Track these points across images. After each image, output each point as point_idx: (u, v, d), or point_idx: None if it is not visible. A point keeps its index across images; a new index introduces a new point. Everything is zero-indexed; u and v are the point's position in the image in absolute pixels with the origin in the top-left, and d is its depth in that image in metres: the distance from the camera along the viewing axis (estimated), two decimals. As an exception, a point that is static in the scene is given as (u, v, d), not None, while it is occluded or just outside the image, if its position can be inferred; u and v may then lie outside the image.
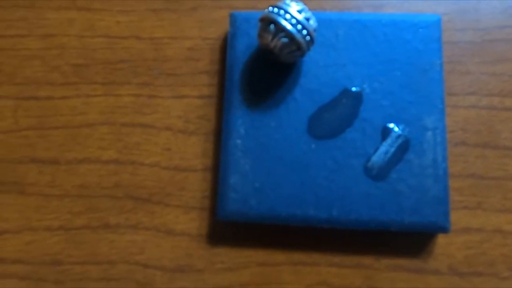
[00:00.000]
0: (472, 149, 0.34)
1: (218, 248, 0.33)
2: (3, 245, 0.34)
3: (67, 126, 0.36)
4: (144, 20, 0.38)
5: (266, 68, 0.34)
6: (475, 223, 0.33)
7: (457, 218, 0.33)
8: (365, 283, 0.32)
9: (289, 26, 0.30)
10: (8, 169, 0.35)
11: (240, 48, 0.34)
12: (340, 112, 0.33)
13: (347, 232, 0.33)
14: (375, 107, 0.33)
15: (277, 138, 0.33)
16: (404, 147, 0.32)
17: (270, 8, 0.30)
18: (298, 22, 0.30)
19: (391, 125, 0.33)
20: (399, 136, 0.32)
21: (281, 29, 0.30)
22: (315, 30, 0.31)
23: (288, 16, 0.30)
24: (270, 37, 0.30)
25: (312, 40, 0.31)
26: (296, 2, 0.31)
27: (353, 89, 0.33)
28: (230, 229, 0.34)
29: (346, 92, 0.33)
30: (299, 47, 0.30)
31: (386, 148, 0.32)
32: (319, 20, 0.34)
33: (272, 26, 0.30)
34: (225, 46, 0.37)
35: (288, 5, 0.30)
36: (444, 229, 0.31)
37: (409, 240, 0.33)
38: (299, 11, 0.30)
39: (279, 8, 0.30)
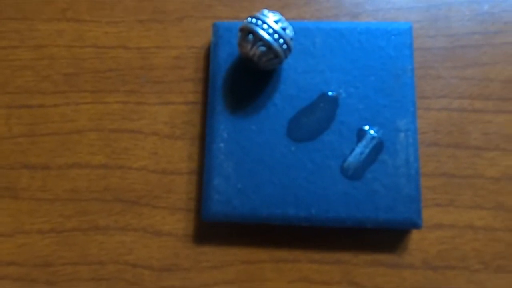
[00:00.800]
0: (444, 150, 0.36)
1: (204, 247, 0.35)
2: (-4, 248, 0.35)
3: (57, 133, 0.37)
4: (131, 30, 0.39)
5: (247, 75, 0.36)
6: (447, 219, 0.35)
7: (430, 215, 0.35)
8: (344, 278, 0.34)
9: (266, 36, 0.31)
10: (1, 175, 0.36)
11: (222, 57, 0.36)
12: (318, 116, 0.35)
13: (327, 230, 0.35)
14: (351, 110, 0.35)
15: (258, 142, 0.34)
16: (378, 148, 0.34)
17: (249, 19, 0.32)
18: (275, 31, 0.32)
19: (366, 128, 0.34)
20: (373, 138, 0.34)
21: (259, 38, 0.32)
22: (291, 39, 0.33)
23: (265, 26, 0.32)
24: (249, 46, 0.32)
25: (289, 48, 0.33)
26: (274, 13, 0.32)
27: (330, 93, 0.35)
28: (215, 229, 0.35)
29: (323, 96, 0.35)
30: (276, 55, 0.32)
31: (361, 149, 0.34)
32: (297, 29, 0.36)
33: (250, 36, 0.32)
34: (210, 54, 0.38)
35: (265, 16, 0.32)
36: (417, 225, 0.33)
37: (385, 236, 0.35)
38: (276, 21, 0.32)
39: (257, 18, 0.32)
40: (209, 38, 0.39)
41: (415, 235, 0.34)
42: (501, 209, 0.35)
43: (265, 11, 0.32)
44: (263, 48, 0.32)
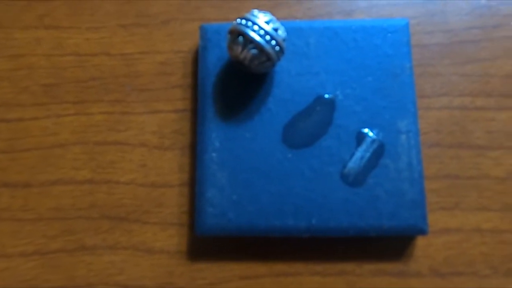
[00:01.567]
0: (447, 150, 0.34)
1: (199, 263, 0.33)
2: (-24, 274, 0.33)
3: (38, 148, 0.35)
4: (114, 36, 0.37)
5: (238, 79, 0.34)
6: (453, 223, 0.33)
7: (435, 219, 0.33)
8: (348, 290, 0.32)
9: (257, 38, 0.30)
10: (-21, 195, 0.34)
11: (211, 61, 0.34)
12: (315, 120, 0.33)
13: (328, 239, 0.33)
14: (348, 113, 0.33)
15: (253, 150, 0.33)
16: (379, 151, 0.32)
17: (238, 20, 0.30)
18: (267, 33, 0.30)
19: (365, 130, 0.33)
20: (373, 141, 0.32)
21: (249, 40, 0.30)
22: (284, 40, 0.31)
23: (256, 27, 0.30)
24: (239, 49, 0.30)
25: (281, 50, 0.31)
26: (264, 13, 0.31)
27: (326, 96, 0.33)
28: (210, 243, 0.33)
29: (319, 99, 0.33)
30: (269, 57, 0.30)
31: (361, 154, 0.32)
32: (289, 29, 0.34)
33: (240, 38, 0.30)
34: (198, 59, 0.36)
35: (255, 16, 0.30)
36: (422, 231, 0.31)
37: (390, 244, 0.33)
38: (267, 22, 0.30)
39: (247, 19, 0.30)
40: (197, 41, 0.37)
41: (420, 241, 0.33)
42: (508, 210, 0.33)
43: (255, 12, 0.31)
44: (254, 51, 0.30)
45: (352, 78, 0.34)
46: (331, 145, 0.33)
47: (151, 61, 0.36)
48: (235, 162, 0.32)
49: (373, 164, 0.32)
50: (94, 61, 0.37)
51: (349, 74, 0.34)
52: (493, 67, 0.36)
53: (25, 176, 0.34)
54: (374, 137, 0.33)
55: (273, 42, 0.30)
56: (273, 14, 0.37)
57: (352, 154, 0.32)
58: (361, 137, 0.33)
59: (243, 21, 0.30)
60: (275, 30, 0.30)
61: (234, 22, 0.31)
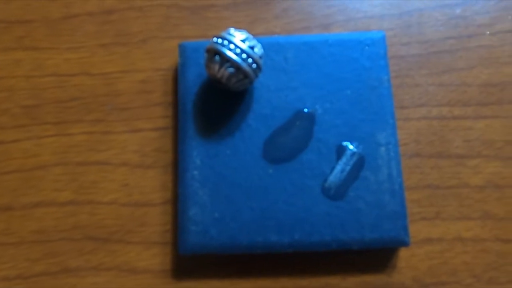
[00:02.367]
0: (427, 160, 0.35)
1: (183, 282, 0.33)
2: (-42, 300, 0.32)
3: (19, 170, 0.35)
4: (93, 55, 0.37)
5: (218, 96, 0.34)
6: (435, 233, 0.33)
7: (417, 229, 0.33)
8: (333, 303, 0.32)
9: (234, 56, 0.30)
10: (-40, 220, 0.34)
11: (191, 78, 0.34)
12: (295, 135, 0.33)
13: (312, 254, 0.33)
14: (328, 127, 0.33)
15: (234, 166, 0.33)
16: (359, 164, 0.33)
17: (215, 39, 0.31)
18: (243, 51, 0.30)
19: (345, 144, 0.33)
20: (353, 153, 0.33)
21: (226, 59, 0.30)
22: (261, 57, 0.31)
23: (232, 46, 0.30)
24: (216, 68, 0.30)
25: (259, 67, 0.31)
26: (240, 31, 0.31)
27: (306, 110, 0.34)
28: (194, 262, 0.33)
29: (299, 114, 0.34)
30: (246, 75, 0.31)
31: (342, 167, 0.33)
32: (267, 45, 0.35)
33: (217, 57, 0.30)
34: (178, 76, 0.37)
35: (232, 35, 0.30)
36: (404, 243, 0.31)
37: (373, 256, 0.33)
38: (243, 40, 0.30)
39: (223, 38, 0.30)
40: (176, 59, 0.37)
41: (403, 252, 0.33)
42: (488, 218, 0.34)
43: (231, 30, 0.31)
44: (231, 69, 0.30)
45: (330, 92, 0.34)
46: (311, 159, 0.33)
47: (131, 80, 0.37)
48: (216, 179, 0.32)
49: (354, 176, 0.32)
50: (74, 81, 0.37)
51: (328, 88, 0.34)
52: (470, 76, 0.36)
53: (7, 199, 0.34)
54: (354, 150, 0.33)
55: (250, 60, 0.30)
56: (251, 29, 0.37)
57: (333, 168, 0.33)
58: (341, 150, 0.33)
59: (220, 40, 0.30)
60: (252, 48, 0.30)
61: (211, 40, 0.31)
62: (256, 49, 0.31)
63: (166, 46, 0.37)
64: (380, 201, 0.32)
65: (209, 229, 0.32)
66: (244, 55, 0.30)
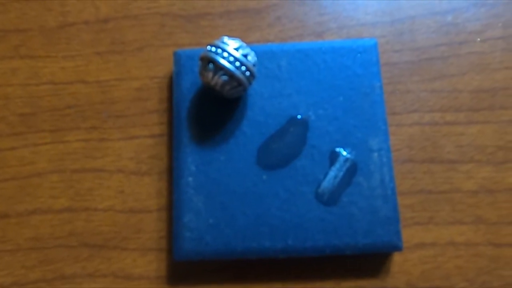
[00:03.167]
0: (419, 166, 0.35)
1: (179, 288, 0.33)
2: (-46, 308, 0.33)
3: (16, 178, 0.35)
4: (89, 63, 0.38)
5: (212, 103, 0.34)
6: (428, 237, 0.34)
7: (410, 234, 0.34)
8: (328, 309, 0.33)
9: (227, 64, 0.30)
10: (-44, 228, 0.34)
11: (185, 86, 0.35)
12: (288, 141, 0.34)
13: (306, 259, 0.33)
14: (321, 133, 0.34)
15: (228, 173, 0.33)
16: (352, 170, 0.33)
17: (209, 47, 0.31)
18: (236, 59, 0.30)
19: (338, 150, 0.33)
20: (346, 160, 0.33)
21: (219, 67, 0.30)
22: (254, 65, 0.32)
23: (225, 54, 0.30)
24: (210, 76, 0.31)
25: (252, 75, 0.31)
26: (234, 39, 0.31)
27: (299, 117, 0.34)
28: (189, 268, 0.33)
29: (292, 120, 0.34)
30: (239, 83, 0.31)
31: (335, 173, 0.33)
32: (261, 52, 0.35)
33: (211, 65, 0.31)
34: (172, 84, 0.37)
35: (225, 43, 0.31)
36: (397, 248, 0.32)
37: (367, 261, 0.33)
38: (236, 49, 0.31)
39: (217, 47, 0.31)
40: (172, 66, 0.37)
41: (397, 257, 0.33)
42: (480, 223, 0.34)
43: (225, 38, 0.31)
44: (225, 77, 0.30)
45: (323, 99, 0.34)
46: (305, 165, 0.33)
47: (127, 88, 0.37)
48: (211, 185, 0.33)
49: (347, 182, 0.33)
50: (70, 89, 0.37)
51: (321, 95, 0.34)
52: (461, 82, 0.37)
53: (3, 206, 0.34)
54: (347, 156, 0.33)
55: (243, 68, 0.31)
56: (245, 37, 0.38)
57: (326, 174, 0.33)
58: (334, 156, 0.33)
59: (213, 48, 0.31)
60: (245, 56, 0.31)
61: (204, 49, 0.32)
62: (249, 57, 0.31)
63: (161, 54, 0.38)
64: (373, 206, 0.32)
65: (204, 236, 0.32)
66: (237, 63, 0.30)
